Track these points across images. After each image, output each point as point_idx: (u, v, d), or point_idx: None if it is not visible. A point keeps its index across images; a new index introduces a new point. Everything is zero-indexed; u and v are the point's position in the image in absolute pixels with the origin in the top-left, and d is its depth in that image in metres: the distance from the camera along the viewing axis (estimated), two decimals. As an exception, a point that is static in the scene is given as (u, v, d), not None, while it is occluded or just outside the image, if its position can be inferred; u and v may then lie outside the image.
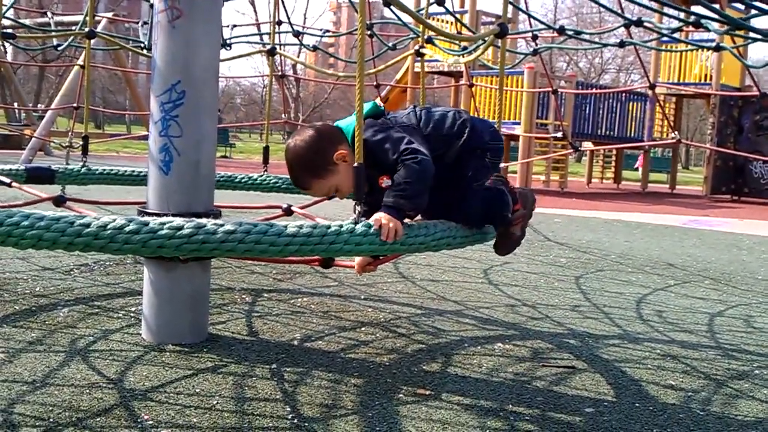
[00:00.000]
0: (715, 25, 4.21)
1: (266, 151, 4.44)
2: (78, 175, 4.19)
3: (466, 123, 2.57)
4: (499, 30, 2.71)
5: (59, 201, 3.54)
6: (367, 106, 2.43)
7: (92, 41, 4.41)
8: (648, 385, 2.74)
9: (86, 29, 4.28)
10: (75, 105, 6.48)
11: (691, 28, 4.35)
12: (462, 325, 3.51)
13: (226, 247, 2.08)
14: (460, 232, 2.48)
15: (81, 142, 4.50)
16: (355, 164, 2.20)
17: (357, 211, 2.25)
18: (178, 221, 2.09)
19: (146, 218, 2.10)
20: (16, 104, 18.63)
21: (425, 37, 4.00)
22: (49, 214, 2.05)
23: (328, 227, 2.17)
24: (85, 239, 2.00)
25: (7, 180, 3.75)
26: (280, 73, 6.86)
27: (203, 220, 2.11)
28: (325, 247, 2.15)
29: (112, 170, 4.27)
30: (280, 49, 5.05)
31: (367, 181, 2.38)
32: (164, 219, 2.10)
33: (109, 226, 2.01)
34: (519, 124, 15.64)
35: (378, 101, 2.59)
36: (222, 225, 2.09)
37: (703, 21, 3.75)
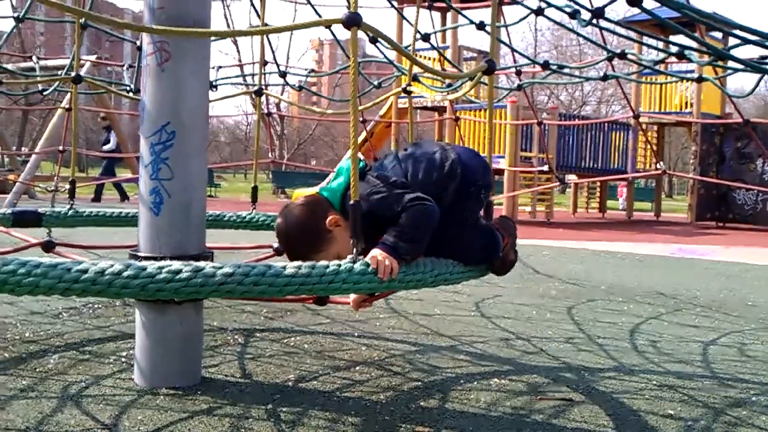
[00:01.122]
0: (697, 56, 4.27)
1: (254, 190, 4.44)
2: (65, 218, 4.17)
3: (456, 163, 2.55)
4: (487, 67, 2.73)
5: (48, 246, 3.51)
6: (346, 166, 2.40)
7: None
8: (647, 416, 2.72)
9: (72, 74, 4.28)
10: (60, 148, 6.47)
11: (673, 59, 4.40)
12: (457, 360, 3.49)
13: (224, 290, 2.07)
14: (457, 268, 2.48)
15: (66, 186, 4.48)
16: (351, 201, 2.20)
17: (354, 250, 2.24)
18: (176, 265, 2.08)
19: (144, 263, 2.09)
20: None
21: (412, 74, 4.04)
22: (46, 261, 2.03)
23: (327, 266, 2.16)
24: (82, 285, 1.99)
25: (-6, 225, 3.73)
26: (266, 112, 6.88)
27: (201, 263, 2.10)
28: (324, 286, 2.14)
29: (99, 212, 4.25)
30: (266, 88, 5.07)
31: (366, 239, 2.37)
32: (162, 263, 2.09)
33: (106, 272, 2.00)
34: (503, 157, 15.74)
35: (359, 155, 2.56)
36: (220, 267, 2.08)
37: (686, 52, 3.80)
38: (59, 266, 2.00)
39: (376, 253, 2.24)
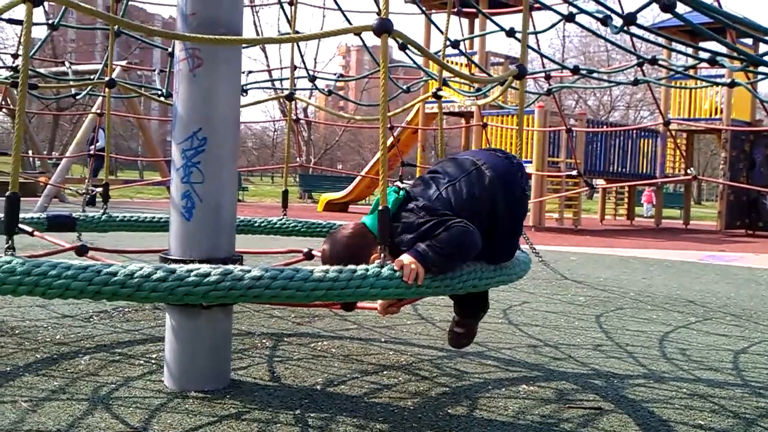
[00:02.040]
0: (728, 61, 4.22)
1: (285, 195, 4.45)
2: (99, 222, 4.21)
3: (495, 181, 2.56)
4: (518, 71, 2.73)
5: (82, 251, 3.55)
6: (390, 198, 2.41)
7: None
8: (677, 426, 2.70)
9: (106, 78, 4.33)
10: (92, 152, 6.53)
11: (703, 64, 4.36)
12: (485, 366, 3.48)
13: (252, 293, 2.08)
14: (486, 273, 2.47)
15: (98, 189, 4.53)
16: (380, 208, 2.21)
17: (382, 255, 2.24)
18: (204, 268, 2.09)
19: (173, 266, 2.11)
20: (30, 152, 18.85)
21: (440, 80, 4.04)
22: (76, 263, 2.06)
23: (354, 271, 2.16)
24: (112, 288, 2.01)
25: (29, 228, 3.76)
26: (295, 118, 6.92)
27: (230, 267, 2.11)
28: (352, 292, 2.14)
29: (132, 217, 4.29)
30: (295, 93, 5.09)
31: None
32: (191, 266, 2.11)
33: (135, 275, 2.02)
34: (530, 162, 15.66)
35: (398, 185, 2.57)
36: (248, 271, 2.09)
37: (718, 58, 3.77)
38: (89, 269, 2.02)
39: (403, 257, 2.24)
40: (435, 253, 2.28)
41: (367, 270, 2.19)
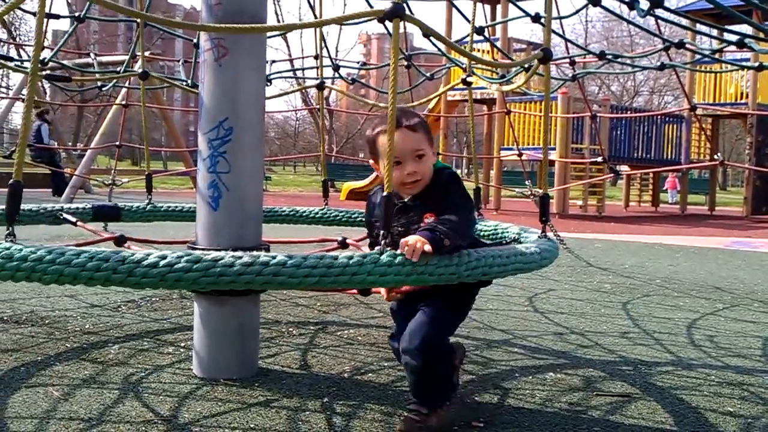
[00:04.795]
0: (756, 44, 4.16)
1: (325, 184, 4.44)
2: (144, 212, 4.25)
3: None
4: (543, 55, 2.70)
5: (120, 241, 3.58)
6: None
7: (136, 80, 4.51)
8: (706, 413, 2.68)
9: (139, 70, 4.36)
10: (117, 143, 6.57)
11: (730, 47, 4.31)
12: (511, 354, 3.47)
13: (277, 280, 2.09)
14: (496, 261, 2.36)
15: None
16: (385, 194, 2.16)
17: (383, 242, 2.17)
18: (245, 256, 2.10)
19: (221, 253, 2.11)
20: (55, 143, 18.97)
21: (469, 66, 4.00)
22: (126, 252, 2.08)
23: (351, 257, 2.13)
24: (177, 274, 2.04)
25: (73, 219, 3.81)
26: (317, 107, 6.92)
27: (264, 253, 2.13)
28: (347, 279, 2.12)
29: (177, 207, 4.33)
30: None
31: (414, 214, 2.36)
32: (238, 253, 2.12)
33: (203, 263, 2.05)
34: (554, 149, 15.58)
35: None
36: (291, 258, 2.10)
37: (746, 40, 3.72)
38: (146, 259, 2.05)
39: (411, 237, 2.16)
40: (446, 228, 2.19)
41: (365, 257, 2.12)
